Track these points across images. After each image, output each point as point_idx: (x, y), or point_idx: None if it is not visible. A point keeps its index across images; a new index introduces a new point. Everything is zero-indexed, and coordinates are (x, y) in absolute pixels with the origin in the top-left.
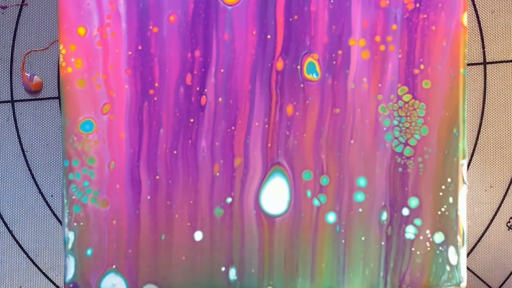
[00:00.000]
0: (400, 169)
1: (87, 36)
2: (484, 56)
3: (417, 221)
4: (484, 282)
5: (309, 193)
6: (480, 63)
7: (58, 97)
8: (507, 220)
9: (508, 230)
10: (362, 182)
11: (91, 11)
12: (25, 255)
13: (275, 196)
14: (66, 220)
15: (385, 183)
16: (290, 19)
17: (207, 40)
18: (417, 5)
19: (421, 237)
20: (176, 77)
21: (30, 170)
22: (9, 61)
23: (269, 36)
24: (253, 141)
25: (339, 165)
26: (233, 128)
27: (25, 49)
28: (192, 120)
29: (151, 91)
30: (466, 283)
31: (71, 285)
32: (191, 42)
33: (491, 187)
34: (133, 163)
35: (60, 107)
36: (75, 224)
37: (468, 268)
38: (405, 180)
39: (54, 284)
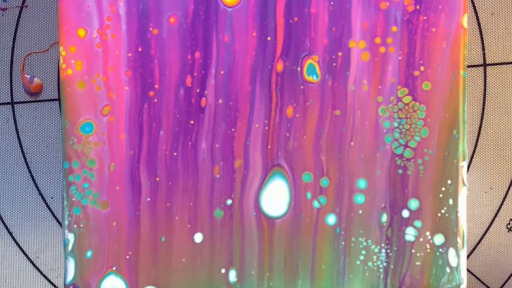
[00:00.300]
0: (400, 171)
1: (87, 38)
2: (484, 58)
3: (417, 223)
4: (484, 284)
5: (309, 195)
6: (480, 65)
7: (58, 99)
8: (507, 222)
9: (508, 232)
10: (362, 184)
11: (91, 12)
12: (25, 257)
13: (275, 197)
14: (66, 222)
15: (385, 185)
16: (290, 21)
17: (207, 42)
18: (417, 7)
19: (421, 239)
20: (176, 78)
21: (30, 172)
22: (9, 63)
23: (269, 38)
24: (253, 143)
25: (339, 166)
26: (233, 130)
27: (25, 51)
28: (192, 122)
29: (151, 93)
30: (466, 285)
31: (71, 287)
32: (191, 43)
33: (491, 189)
34: (133, 164)
35: (60, 109)
36: (75, 226)
37: (468, 270)
38: (405, 182)
39: (54, 286)
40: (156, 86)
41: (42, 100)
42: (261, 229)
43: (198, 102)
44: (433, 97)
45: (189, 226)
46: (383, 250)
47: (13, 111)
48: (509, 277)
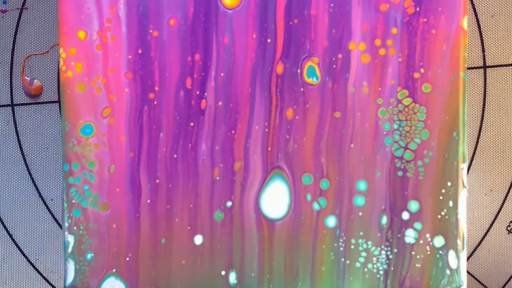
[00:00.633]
0: (400, 173)
1: (87, 40)
2: (484, 60)
3: (417, 225)
4: (484, 286)
5: (309, 197)
6: (480, 67)
7: (58, 101)
8: (507, 224)
9: (508, 234)
10: (362, 186)
11: (91, 15)
12: (25, 259)
13: (275, 199)
14: (66, 224)
15: (385, 187)
16: (290, 23)
17: (207, 44)
18: (417, 9)
19: (421, 241)
20: (176, 80)
21: (30, 174)
22: (9, 65)
23: (269, 40)
24: (253, 145)
25: (339, 169)
26: (233, 132)
27: (25, 53)
28: (192, 124)
29: (151, 95)
30: (466, 287)
31: None
32: (191, 45)
33: (491, 191)
34: (133, 166)
35: (60, 111)
36: (75, 228)
37: (468, 272)
38: (405, 184)
39: None
40: (156, 88)
41: (42, 102)
42: (261, 231)
43: (198, 104)
44: (433, 99)
45: (189, 228)
46: (383, 252)
47: (13, 113)
48: (509, 279)
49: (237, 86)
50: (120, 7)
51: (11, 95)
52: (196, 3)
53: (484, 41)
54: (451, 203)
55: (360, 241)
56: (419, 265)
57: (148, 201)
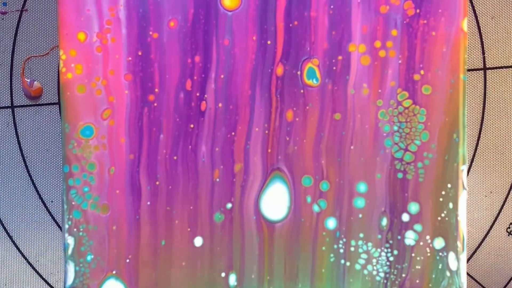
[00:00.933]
0: (400, 175)
1: (87, 42)
2: (484, 61)
3: (417, 227)
4: None
5: (309, 199)
6: (480, 69)
7: (58, 103)
8: (507, 226)
9: (508, 235)
10: (362, 187)
11: (91, 16)
12: (25, 261)
13: (275, 201)
14: (66, 226)
15: (385, 188)
16: (290, 25)
17: (207, 46)
18: (417, 10)
19: (421, 243)
20: (176, 82)
21: (30, 175)
22: (9, 67)
23: (269, 42)
24: (253, 147)
25: (339, 170)
26: (233, 133)
27: (25, 54)
28: (192, 126)
29: (151, 97)
30: None
31: None
32: (191, 47)
33: (491, 192)
34: (133, 168)
35: (60, 113)
36: (75, 229)
37: (468, 274)
38: (405, 185)
39: None
40: (156, 90)
41: (42, 104)
42: (261, 233)
43: (198, 106)
44: (433, 101)
45: (189, 230)
46: (383, 254)
47: (13, 115)
48: (509, 280)
49: (237, 88)
50: (120, 9)
51: (11, 97)
52: (196, 5)
53: (484, 43)
54: (451, 205)
55: (360, 243)
56: (419, 267)
57: (148, 203)
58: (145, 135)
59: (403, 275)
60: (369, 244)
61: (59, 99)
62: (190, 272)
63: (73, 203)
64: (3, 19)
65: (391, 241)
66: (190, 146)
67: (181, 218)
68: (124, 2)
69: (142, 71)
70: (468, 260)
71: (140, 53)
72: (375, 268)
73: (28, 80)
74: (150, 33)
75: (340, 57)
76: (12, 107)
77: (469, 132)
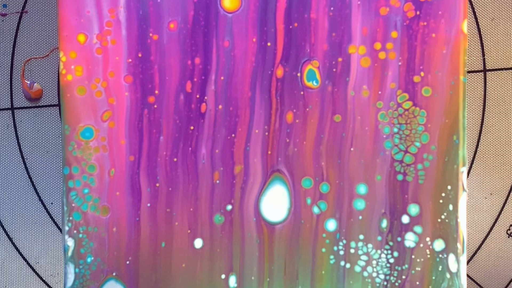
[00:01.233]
0: (400, 177)
1: (87, 44)
2: (484, 63)
3: (417, 229)
4: None
5: (309, 201)
6: (480, 71)
7: (58, 105)
8: (507, 228)
9: (508, 237)
10: (362, 189)
11: (91, 18)
12: (25, 263)
13: (275, 203)
14: (66, 228)
15: (385, 190)
16: (290, 27)
17: (207, 48)
18: (417, 12)
19: (421, 245)
20: (176, 84)
21: (30, 177)
22: (9, 69)
23: (269, 44)
24: (253, 148)
25: (339, 172)
26: (233, 135)
27: (25, 56)
28: (192, 128)
29: (151, 99)
30: None
31: None
32: (191, 49)
33: (491, 194)
34: (133, 170)
35: (60, 115)
36: (75, 231)
37: (468, 276)
38: (405, 187)
39: None
40: (156, 92)
41: (42, 106)
42: (261, 234)
43: (198, 108)
44: (433, 103)
45: (189, 231)
46: (383, 256)
47: (13, 117)
48: (509, 282)
49: (237, 90)
50: (120, 10)
51: (11, 98)
52: (196, 7)
53: (484, 45)
54: (451, 207)
55: (360, 244)
56: (419, 269)
57: (148, 204)
58: (145, 137)
59: (403, 277)
60: (369, 245)
61: (59, 101)
62: (190, 273)
63: (73, 205)
64: (3, 21)
65: (391, 243)
66: (190, 148)
67: (181, 219)
68: (124, 4)
69: (142, 73)
70: (468, 262)
71: (140, 55)
72: (375, 270)
73: (28, 82)
74: (150, 34)
75: (340, 59)
76: (12, 108)
77: (469, 133)
